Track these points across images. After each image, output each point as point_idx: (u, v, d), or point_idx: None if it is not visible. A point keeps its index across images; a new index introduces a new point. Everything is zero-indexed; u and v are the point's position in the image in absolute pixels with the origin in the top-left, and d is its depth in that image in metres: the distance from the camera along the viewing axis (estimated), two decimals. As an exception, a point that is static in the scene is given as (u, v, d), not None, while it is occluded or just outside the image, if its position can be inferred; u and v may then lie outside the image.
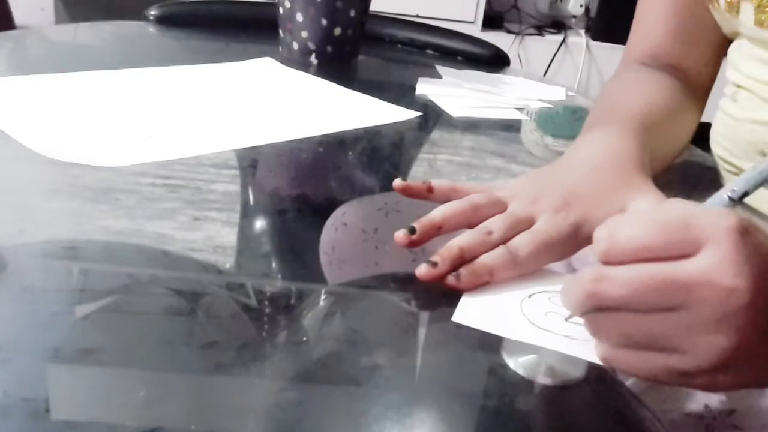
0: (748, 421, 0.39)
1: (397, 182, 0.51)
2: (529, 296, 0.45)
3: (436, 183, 0.51)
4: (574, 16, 2.70)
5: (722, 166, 0.71)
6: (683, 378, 0.34)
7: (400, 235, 0.46)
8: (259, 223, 0.56)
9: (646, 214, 0.35)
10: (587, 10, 2.68)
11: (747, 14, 0.62)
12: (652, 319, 0.33)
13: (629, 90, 0.67)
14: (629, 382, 0.40)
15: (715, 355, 0.32)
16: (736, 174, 0.68)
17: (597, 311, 0.36)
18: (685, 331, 0.32)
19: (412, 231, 0.46)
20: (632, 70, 0.72)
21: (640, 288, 0.33)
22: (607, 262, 0.34)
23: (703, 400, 0.40)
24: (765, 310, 0.31)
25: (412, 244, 0.46)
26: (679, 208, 0.35)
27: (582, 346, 0.40)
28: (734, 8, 0.63)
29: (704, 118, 0.73)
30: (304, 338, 0.41)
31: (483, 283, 0.45)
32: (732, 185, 0.39)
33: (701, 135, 0.74)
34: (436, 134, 0.80)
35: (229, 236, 0.51)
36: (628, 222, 0.34)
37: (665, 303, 0.32)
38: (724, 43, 0.71)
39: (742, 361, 0.32)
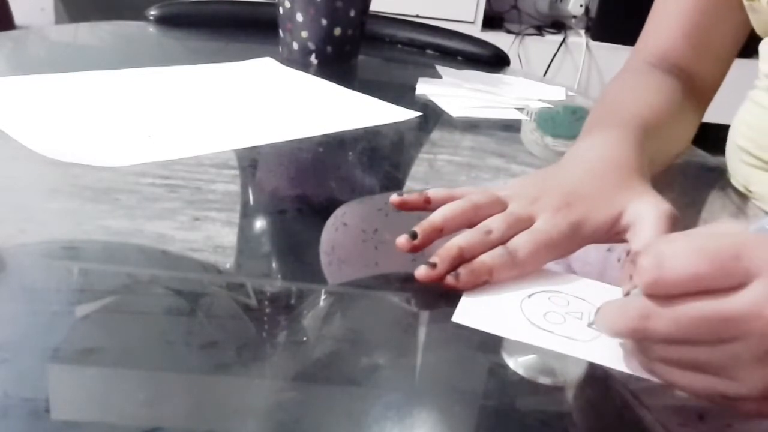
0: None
1: (394, 198, 0.50)
2: (529, 296, 0.45)
3: (433, 193, 0.51)
4: (574, 16, 2.70)
5: (741, 159, 0.70)
6: (729, 402, 0.34)
7: (402, 240, 0.46)
8: (259, 223, 0.56)
9: (695, 242, 0.33)
10: (587, 10, 2.68)
11: None
12: (700, 351, 0.33)
13: (630, 91, 0.67)
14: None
15: (764, 386, 0.32)
16: (756, 167, 0.68)
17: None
18: (733, 361, 0.32)
19: (414, 236, 0.46)
20: (635, 71, 0.72)
21: (689, 325, 0.32)
22: (654, 294, 0.34)
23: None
24: None
25: (414, 249, 0.46)
26: (729, 235, 0.34)
27: (582, 347, 0.40)
28: None
29: (712, 119, 0.73)
30: (304, 338, 0.41)
31: (482, 282, 0.45)
32: None
33: (703, 136, 0.74)
34: (436, 134, 0.80)
35: (229, 236, 0.51)
36: (676, 252, 0.33)
37: (714, 337, 0.32)
38: (736, 49, 0.72)
39: None
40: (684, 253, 0.33)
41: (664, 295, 0.33)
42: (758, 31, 0.69)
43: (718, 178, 0.74)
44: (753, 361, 0.32)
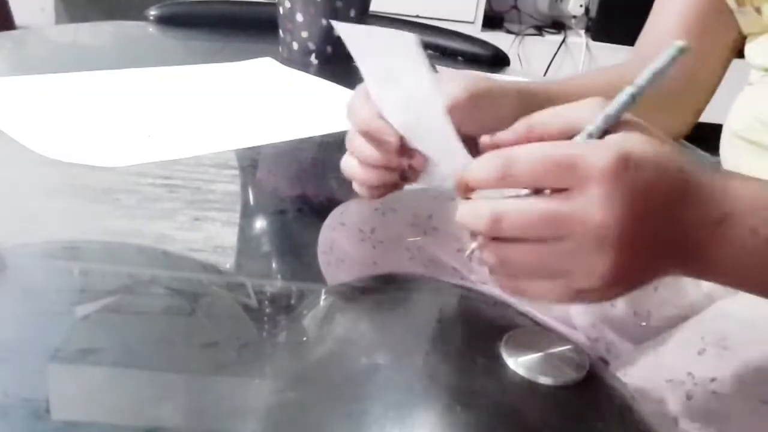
0: (728, 388, 0.41)
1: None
2: None
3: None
4: (574, 16, 2.70)
5: (734, 143, 0.71)
6: (580, 295, 0.37)
7: None
8: (259, 223, 0.56)
9: (536, 146, 0.37)
10: (587, 10, 2.68)
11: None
12: (543, 249, 0.37)
13: (594, 74, 0.68)
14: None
15: (600, 275, 0.36)
16: (750, 150, 0.69)
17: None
18: (570, 257, 0.36)
19: None
20: (626, 64, 0.72)
21: (531, 223, 0.36)
22: (501, 181, 0.37)
23: (686, 368, 0.42)
24: (638, 233, 0.36)
25: None
26: (567, 145, 0.38)
27: None
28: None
29: (713, 119, 0.73)
30: (304, 338, 0.41)
31: None
32: (630, 88, 0.40)
33: (701, 135, 0.74)
34: (436, 134, 0.80)
35: (229, 236, 0.51)
36: (520, 149, 0.37)
37: (552, 234, 0.36)
38: (735, 49, 0.72)
39: (624, 276, 0.36)
40: (527, 156, 0.37)
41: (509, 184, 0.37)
42: (745, 31, 0.69)
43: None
44: (586, 255, 0.36)
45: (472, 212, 0.38)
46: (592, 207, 0.35)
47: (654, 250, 0.37)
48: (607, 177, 0.35)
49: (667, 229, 0.37)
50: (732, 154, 0.71)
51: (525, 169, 0.36)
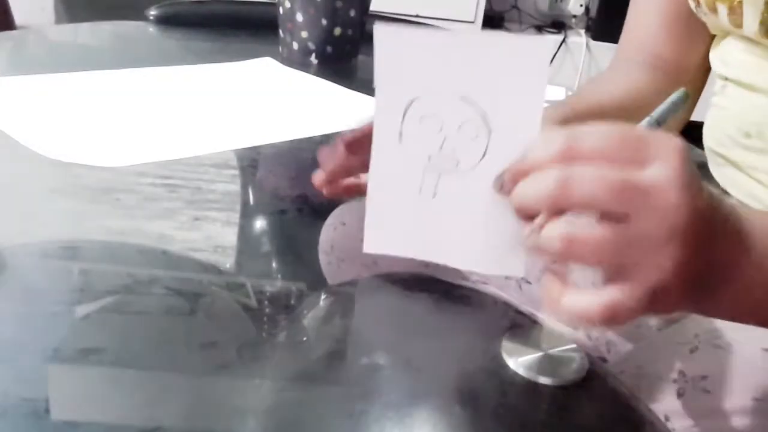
0: (719, 387, 0.41)
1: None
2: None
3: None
4: (574, 16, 2.70)
5: (712, 160, 0.71)
6: (653, 297, 0.33)
7: None
8: (259, 223, 0.56)
9: (604, 125, 0.34)
10: (587, 9, 2.68)
11: (723, 15, 0.63)
12: (613, 227, 0.32)
13: (590, 85, 0.68)
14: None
15: (671, 267, 0.32)
16: (724, 165, 0.69)
17: (560, 220, 0.34)
18: (643, 245, 0.32)
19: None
20: (611, 68, 0.72)
21: (604, 188, 0.32)
22: (568, 157, 0.33)
23: (678, 366, 0.41)
24: (699, 231, 0.32)
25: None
26: (631, 125, 0.35)
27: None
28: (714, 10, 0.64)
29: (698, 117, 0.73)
30: (304, 338, 0.41)
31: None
32: (651, 114, 0.41)
33: (695, 134, 0.74)
34: (436, 134, 0.80)
35: (229, 236, 0.51)
36: (587, 129, 0.34)
37: (624, 207, 0.32)
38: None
39: (690, 274, 0.33)
40: (593, 128, 0.34)
41: (575, 159, 0.33)
42: (712, 31, 0.69)
43: (707, 173, 0.74)
44: (657, 242, 0.32)
45: (541, 177, 0.34)
46: (668, 181, 0.32)
47: (704, 260, 0.33)
48: (680, 154, 0.32)
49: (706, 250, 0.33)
50: (717, 173, 0.71)
51: (593, 141, 0.33)
